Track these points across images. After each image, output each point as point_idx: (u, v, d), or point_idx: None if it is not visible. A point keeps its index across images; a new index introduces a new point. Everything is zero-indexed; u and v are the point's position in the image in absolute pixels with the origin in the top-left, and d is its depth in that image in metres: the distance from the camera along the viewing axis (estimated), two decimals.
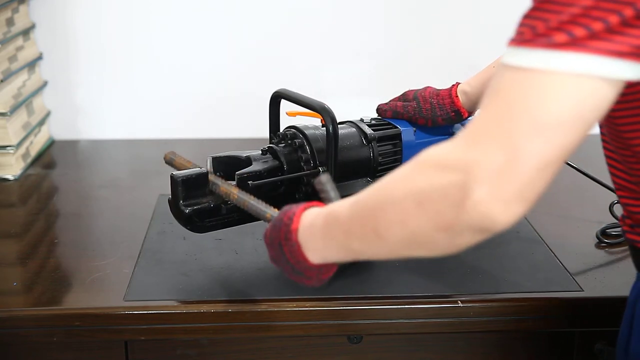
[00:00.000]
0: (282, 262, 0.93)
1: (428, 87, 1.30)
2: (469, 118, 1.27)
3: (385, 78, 1.83)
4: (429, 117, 1.26)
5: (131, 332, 1.08)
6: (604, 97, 0.71)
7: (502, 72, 0.73)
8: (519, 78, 0.71)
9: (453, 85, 1.28)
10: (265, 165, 1.13)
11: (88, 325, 1.07)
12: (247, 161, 1.15)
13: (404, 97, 1.31)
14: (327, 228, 0.86)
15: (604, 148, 0.93)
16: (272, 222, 0.95)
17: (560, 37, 0.69)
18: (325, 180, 0.94)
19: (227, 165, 1.15)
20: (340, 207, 0.86)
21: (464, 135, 0.74)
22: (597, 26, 0.69)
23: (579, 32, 0.69)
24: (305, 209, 0.91)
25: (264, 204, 1.04)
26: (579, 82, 0.70)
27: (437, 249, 0.77)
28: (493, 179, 0.70)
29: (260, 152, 1.17)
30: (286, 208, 0.93)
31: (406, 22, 1.80)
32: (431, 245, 0.77)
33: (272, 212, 1.02)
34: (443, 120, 1.25)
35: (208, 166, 1.14)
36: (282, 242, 0.91)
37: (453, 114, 1.25)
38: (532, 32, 0.71)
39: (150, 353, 1.13)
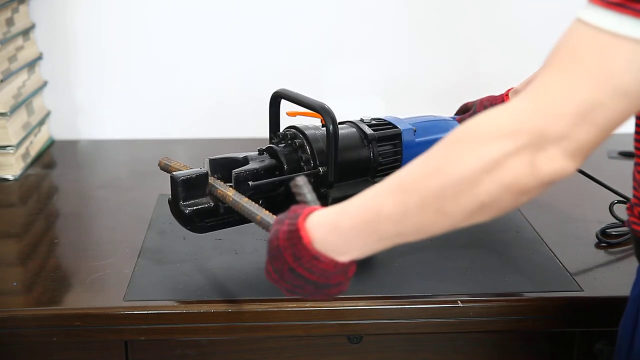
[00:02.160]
0: (301, 285, 0.87)
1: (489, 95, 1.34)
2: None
3: (385, 78, 1.83)
4: None
5: (131, 332, 1.08)
6: None
7: (581, 31, 0.73)
8: (602, 41, 0.72)
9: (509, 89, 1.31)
10: (262, 164, 1.13)
11: (88, 325, 1.07)
12: (244, 162, 1.15)
13: (465, 108, 1.37)
14: (365, 224, 0.81)
15: (637, 125, 0.92)
16: (268, 256, 0.89)
17: None
18: (301, 182, 0.91)
19: (225, 167, 1.15)
20: (376, 198, 0.82)
21: (532, 98, 0.74)
22: None
23: None
24: (305, 218, 0.86)
25: (256, 206, 1.03)
26: None
27: (502, 211, 0.77)
28: (565, 140, 0.72)
29: (257, 152, 1.17)
30: (274, 232, 0.88)
31: (406, 22, 1.80)
32: (497, 210, 0.77)
33: (262, 214, 1.00)
34: None
35: (205, 168, 1.14)
36: (292, 265, 0.86)
37: None
38: None
39: (150, 353, 1.13)
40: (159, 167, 1.20)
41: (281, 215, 0.89)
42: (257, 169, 1.12)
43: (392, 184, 0.81)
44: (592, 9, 0.73)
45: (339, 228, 0.83)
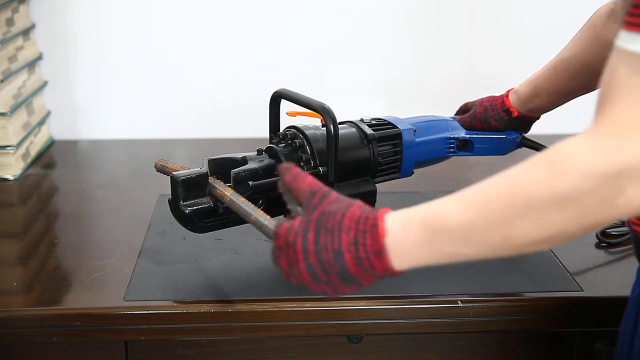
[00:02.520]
0: (327, 271, 0.83)
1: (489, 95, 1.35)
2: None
3: (386, 78, 1.83)
4: (482, 120, 1.30)
5: (131, 332, 1.08)
6: None
7: (630, 59, 0.72)
8: None
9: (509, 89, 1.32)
10: (261, 164, 1.13)
11: (88, 325, 1.07)
12: (243, 162, 1.15)
13: (465, 108, 1.37)
14: (429, 235, 0.79)
15: None
16: (314, 223, 0.83)
17: None
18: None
19: (224, 167, 1.15)
20: (446, 211, 0.79)
21: (602, 132, 0.72)
22: None
23: None
24: (385, 212, 0.82)
25: (252, 206, 1.03)
26: None
27: (568, 240, 0.76)
28: None
29: (256, 152, 1.17)
30: (336, 207, 0.83)
31: (406, 22, 1.80)
32: (563, 240, 0.76)
33: (257, 214, 0.99)
34: (495, 121, 1.30)
35: (204, 168, 1.14)
36: (343, 247, 0.81)
37: (504, 113, 1.29)
38: None
39: (150, 353, 1.13)
40: (155, 169, 1.20)
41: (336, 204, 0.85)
42: (255, 169, 1.12)
43: (463, 200, 0.79)
44: (630, 35, 0.72)
45: (405, 233, 0.80)
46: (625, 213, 0.73)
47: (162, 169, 1.19)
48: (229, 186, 1.10)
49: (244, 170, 1.11)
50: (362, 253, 0.81)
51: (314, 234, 0.83)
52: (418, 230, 0.80)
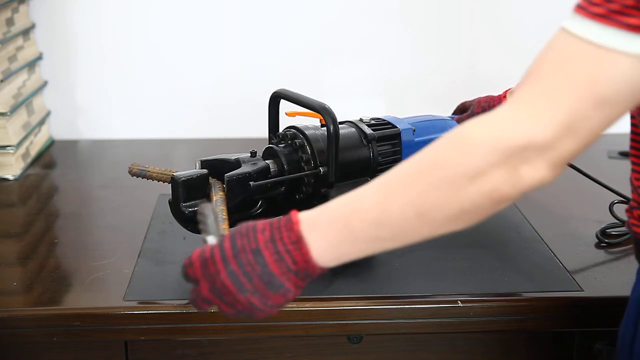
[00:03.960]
0: (249, 275, 0.81)
1: (487, 95, 1.35)
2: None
3: (385, 78, 1.83)
4: None
5: (131, 332, 1.08)
6: None
7: (566, 41, 0.74)
8: (587, 51, 0.73)
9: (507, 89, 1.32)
10: (255, 167, 1.13)
11: (88, 325, 1.07)
12: (236, 163, 1.14)
13: (462, 107, 1.37)
14: (343, 220, 0.80)
15: (632, 133, 0.93)
16: (229, 234, 0.83)
17: (635, 20, 0.71)
18: (207, 210, 0.88)
19: (216, 168, 1.15)
20: (358, 195, 0.81)
21: (519, 108, 0.75)
22: None
23: None
24: (297, 211, 0.83)
25: (221, 218, 1.02)
26: None
27: (480, 218, 0.78)
28: (549, 151, 0.74)
29: (249, 154, 1.16)
30: (251, 223, 0.83)
31: (406, 22, 1.80)
32: (476, 217, 0.78)
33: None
34: None
35: (197, 169, 1.14)
36: (261, 246, 0.81)
37: None
38: (606, 7, 0.72)
39: (150, 353, 1.13)
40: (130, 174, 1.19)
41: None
42: (249, 173, 1.12)
43: (376, 185, 0.80)
44: (577, 19, 0.74)
45: (320, 221, 0.81)
46: (531, 185, 0.75)
47: (141, 173, 1.18)
48: (222, 189, 1.10)
49: (238, 174, 1.11)
50: (280, 247, 0.81)
51: (230, 241, 0.83)
52: (332, 214, 0.81)
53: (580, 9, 0.74)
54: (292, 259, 0.81)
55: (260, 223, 0.83)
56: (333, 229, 0.80)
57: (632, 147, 0.92)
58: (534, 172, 0.75)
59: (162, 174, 1.18)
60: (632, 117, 0.92)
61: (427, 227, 0.78)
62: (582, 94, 0.73)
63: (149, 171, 1.19)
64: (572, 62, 0.74)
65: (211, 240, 0.86)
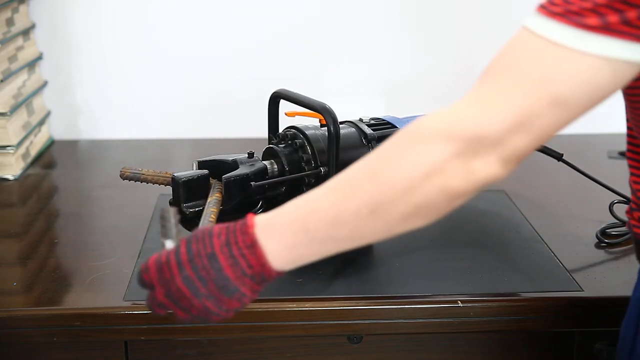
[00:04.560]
0: (204, 280, 0.81)
1: None
2: None
3: (385, 78, 1.83)
4: None
5: (131, 332, 1.08)
6: (622, 79, 0.74)
7: (525, 38, 0.75)
8: (545, 50, 0.73)
9: None
10: (252, 169, 1.13)
11: (88, 325, 1.07)
12: (234, 164, 1.15)
13: None
14: (300, 221, 0.79)
15: (628, 136, 0.93)
16: (185, 238, 0.83)
17: (593, 20, 0.71)
18: (168, 214, 0.87)
19: (213, 169, 1.15)
20: (314, 196, 0.80)
21: (473, 102, 0.75)
22: (631, 14, 0.71)
23: (613, 17, 0.71)
24: (254, 215, 0.83)
25: (207, 220, 1.02)
26: (604, 65, 0.72)
27: (436, 215, 0.78)
28: (500, 146, 0.74)
29: (247, 155, 1.16)
30: (208, 226, 0.83)
31: (406, 22, 1.80)
32: (432, 213, 0.77)
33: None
34: None
35: (195, 170, 1.14)
36: (216, 250, 0.81)
37: None
38: (564, 7, 0.73)
39: (150, 353, 1.13)
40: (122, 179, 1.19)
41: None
42: (247, 174, 1.12)
43: (332, 185, 0.80)
44: (536, 17, 0.75)
45: (275, 223, 0.81)
46: (484, 180, 0.75)
47: (133, 177, 1.18)
48: (219, 191, 1.10)
49: (235, 176, 1.11)
50: (235, 250, 0.81)
51: (186, 246, 0.83)
52: (288, 217, 0.80)
53: (541, 8, 0.75)
54: (247, 263, 0.81)
55: (217, 227, 0.83)
56: (289, 231, 0.80)
57: (628, 151, 0.93)
58: (486, 167, 0.74)
59: (157, 176, 1.18)
60: (628, 121, 0.92)
61: (382, 225, 0.78)
62: (536, 92, 0.73)
63: (142, 174, 1.19)
64: (530, 59, 0.74)
65: (169, 244, 0.86)
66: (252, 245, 0.80)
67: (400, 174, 0.75)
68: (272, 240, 0.80)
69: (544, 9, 0.74)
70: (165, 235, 0.87)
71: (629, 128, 0.92)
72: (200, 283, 0.81)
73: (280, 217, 0.81)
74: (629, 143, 0.92)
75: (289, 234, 0.80)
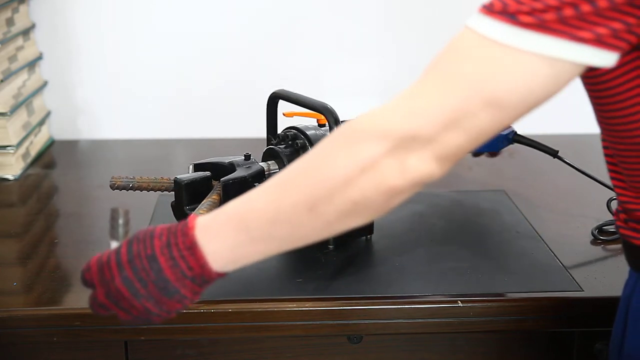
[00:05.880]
0: (144, 282, 0.81)
1: None
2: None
3: (386, 78, 1.83)
4: None
5: (131, 332, 1.08)
6: (563, 79, 0.73)
7: (465, 37, 0.75)
8: (480, 47, 0.73)
9: None
10: (250, 171, 1.13)
11: (88, 325, 1.07)
12: (230, 167, 1.14)
13: None
14: (239, 221, 0.79)
15: (602, 140, 0.92)
16: (126, 240, 0.84)
17: (527, 18, 0.71)
18: (117, 214, 0.87)
19: (210, 172, 1.15)
20: (253, 196, 0.80)
21: (408, 99, 0.75)
22: (568, 12, 0.70)
23: (550, 15, 0.70)
24: (197, 216, 0.83)
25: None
26: (542, 64, 0.71)
27: (375, 213, 0.77)
28: (434, 143, 0.74)
29: (243, 157, 1.16)
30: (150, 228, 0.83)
31: (406, 22, 1.80)
32: (370, 211, 0.77)
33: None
34: None
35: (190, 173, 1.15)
36: (156, 251, 0.80)
37: None
38: (502, 6, 0.73)
39: (150, 353, 1.13)
40: (112, 189, 1.20)
41: None
42: (244, 177, 1.12)
43: (270, 184, 0.80)
44: (478, 17, 0.75)
45: (215, 223, 0.80)
46: (419, 177, 0.75)
47: (126, 186, 1.18)
48: (217, 193, 1.10)
49: (233, 179, 1.11)
50: (175, 252, 0.80)
51: (127, 247, 0.83)
52: (227, 216, 0.80)
53: (482, 7, 0.75)
54: (187, 265, 0.81)
55: (159, 228, 0.83)
56: (229, 231, 0.80)
57: (609, 170, 0.92)
58: (421, 164, 0.74)
59: (153, 183, 1.18)
60: (603, 140, 0.91)
61: (321, 223, 0.78)
62: (471, 91, 0.73)
63: (136, 182, 1.18)
64: (466, 57, 0.74)
65: (114, 244, 0.86)
66: (192, 247, 0.80)
67: (336, 171, 0.75)
68: (213, 242, 0.80)
69: (485, 8, 0.74)
70: (112, 235, 0.87)
71: (605, 147, 0.91)
72: (140, 284, 0.81)
73: (220, 217, 0.81)
74: (608, 163, 0.92)
75: (229, 234, 0.80)
